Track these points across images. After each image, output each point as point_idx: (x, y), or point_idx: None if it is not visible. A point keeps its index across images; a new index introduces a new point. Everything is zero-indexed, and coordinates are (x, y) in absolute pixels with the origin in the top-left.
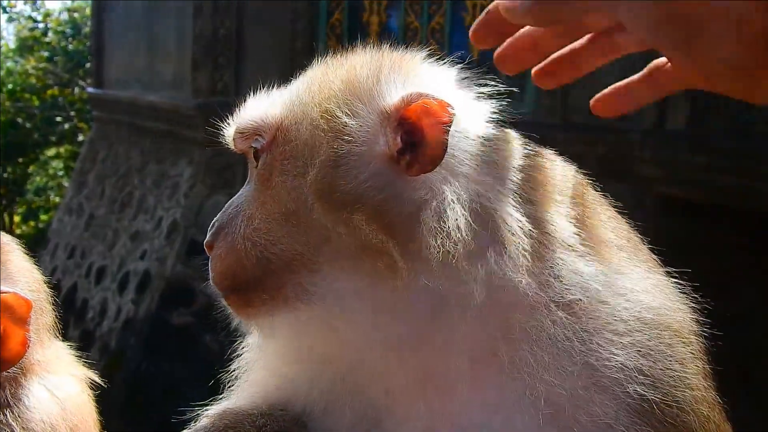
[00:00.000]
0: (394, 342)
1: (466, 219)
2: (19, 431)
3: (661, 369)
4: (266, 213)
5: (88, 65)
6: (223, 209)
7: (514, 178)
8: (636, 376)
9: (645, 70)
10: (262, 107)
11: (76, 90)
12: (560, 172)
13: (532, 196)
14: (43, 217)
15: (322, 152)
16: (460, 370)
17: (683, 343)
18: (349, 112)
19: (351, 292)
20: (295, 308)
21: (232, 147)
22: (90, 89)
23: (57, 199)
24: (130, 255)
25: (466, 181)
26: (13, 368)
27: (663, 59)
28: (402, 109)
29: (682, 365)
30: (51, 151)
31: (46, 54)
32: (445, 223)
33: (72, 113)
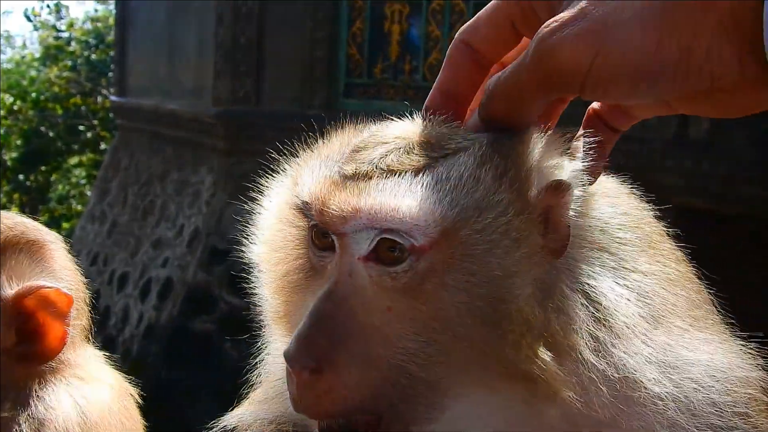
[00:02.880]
0: None
1: (584, 308)
2: None
3: None
4: (413, 329)
5: (110, 74)
6: (311, 318)
7: (612, 247)
8: None
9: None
10: (405, 196)
11: (99, 99)
12: (647, 226)
13: (630, 265)
14: (65, 225)
15: (507, 262)
16: None
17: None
18: (518, 209)
19: (489, 411)
20: (418, 426)
21: (323, 224)
22: (113, 97)
23: (79, 208)
24: (152, 262)
25: (574, 264)
26: (44, 366)
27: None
28: (545, 198)
29: None
30: (73, 160)
31: (69, 63)
32: (570, 318)
33: (95, 122)
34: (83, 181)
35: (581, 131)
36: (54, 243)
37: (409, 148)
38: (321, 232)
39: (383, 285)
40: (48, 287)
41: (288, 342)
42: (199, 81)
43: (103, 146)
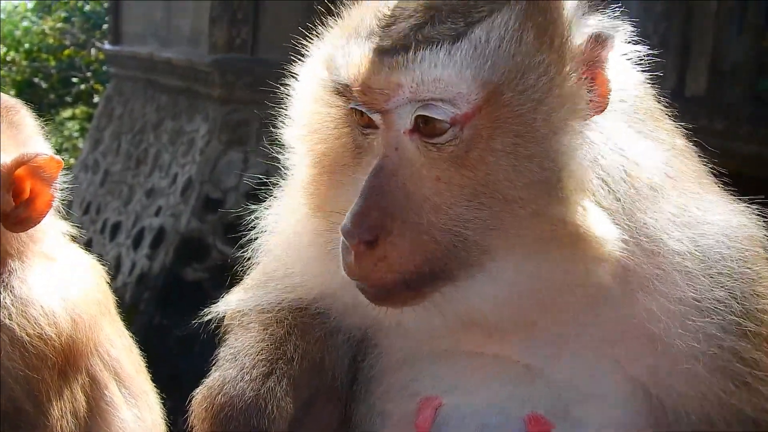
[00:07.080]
0: (540, 304)
1: (621, 167)
2: (16, 313)
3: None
4: (463, 196)
5: (104, 26)
6: (365, 195)
7: (633, 111)
8: (731, 306)
9: None
10: (446, 65)
11: (93, 51)
12: (653, 102)
13: (648, 131)
14: None
15: (553, 119)
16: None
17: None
18: (560, 67)
19: (529, 265)
20: (459, 285)
21: (366, 104)
22: (107, 45)
23: (72, 161)
24: (145, 211)
25: (609, 124)
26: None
27: None
28: (588, 52)
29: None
30: (67, 113)
31: (63, 14)
32: (610, 177)
33: (88, 74)
34: (76, 134)
35: None
36: (23, 107)
37: (442, 16)
38: (361, 111)
39: (430, 156)
40: (44, 155)
41: (344, 219)
42: (195, 28)
43: (96, 99)
